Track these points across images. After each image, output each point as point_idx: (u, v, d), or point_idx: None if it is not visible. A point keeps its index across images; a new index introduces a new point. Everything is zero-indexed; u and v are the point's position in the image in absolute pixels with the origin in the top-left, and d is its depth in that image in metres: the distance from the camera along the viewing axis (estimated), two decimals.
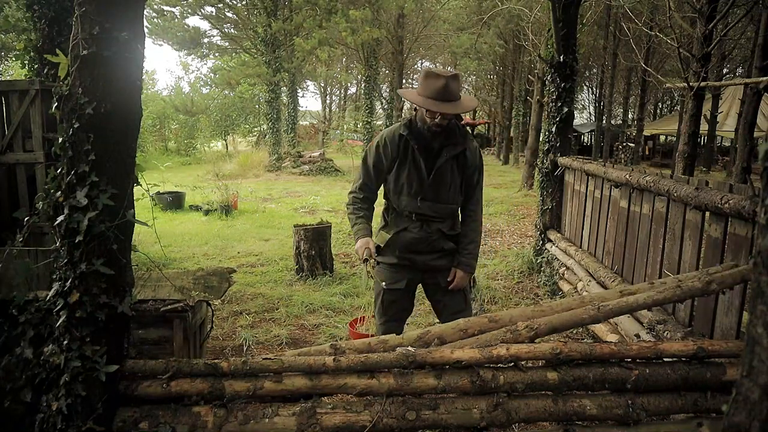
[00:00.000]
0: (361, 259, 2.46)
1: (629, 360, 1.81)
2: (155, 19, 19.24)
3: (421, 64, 35.76)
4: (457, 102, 2.31)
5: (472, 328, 1.89)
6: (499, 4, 13.24)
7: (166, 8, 19.31)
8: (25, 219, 2.03)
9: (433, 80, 2.29)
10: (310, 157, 17.37)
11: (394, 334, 1.99)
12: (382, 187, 2.59)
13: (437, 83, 2.28)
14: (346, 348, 1.88)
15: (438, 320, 2.67)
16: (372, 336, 3.06)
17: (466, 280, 2.48)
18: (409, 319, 3.95)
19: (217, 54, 22.74)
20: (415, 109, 2.42)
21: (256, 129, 27.32)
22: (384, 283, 2.51)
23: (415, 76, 37.26)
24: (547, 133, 5.59)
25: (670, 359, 1.81)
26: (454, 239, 2.52)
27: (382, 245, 2.50)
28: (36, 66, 4.59)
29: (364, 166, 2.51)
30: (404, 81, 25.32)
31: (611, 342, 1.84)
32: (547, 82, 5.66)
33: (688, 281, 1.93)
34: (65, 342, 1.74)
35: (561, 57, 5.15)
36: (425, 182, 2.39)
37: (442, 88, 2.27)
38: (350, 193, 2.58)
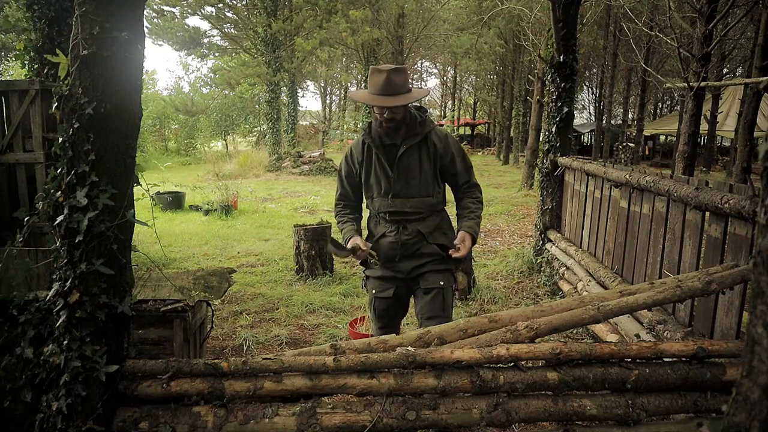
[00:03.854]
0: (357, 256, 2.42)
1: (629, 360, 1.81)
2: (155, 19, 19.24)
3: (421, 64, 35.82)
4: (401, 95, 2.28)
5: (472, 328, 1.89)
6: (499, 4, 13.24)
7: (166, 8, 19.30)
8: (25, 219, 2.03)
9: (376, 76, 2.30)
10: (310, 157, 17.38)
11: (394, 334, 1.99)
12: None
13: (379, 78, 2.28)
14: (346, 348, 1.88)
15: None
16: (372, 336, 3.06)
17: (470, 243, 2.35)
18: (409, 319, 3.96)
19: (217, 54, 22.72)
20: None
21: (256, 129, 27.33)
22: (374, 291, 2.49)
23: (415, 75, 37.27)
24: (547, 133, 5.60)
25: (670, 359, 1.81)
26: (441, 241, 2.41)
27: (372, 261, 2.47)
28: (36, 66, 4.59)
29: (339, 178, 2.56)
30: None
31: (611, 342, 1.84)
32: (547, 82, 5.66)
33: (688, 281, 1.93)
34: (65, 342, 1.74)
35: (561, 57, 5.15)
36: (391, 177, 2.36)
37: (384, 83, 2.26)
38: (335, 202, 2.63)
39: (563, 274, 4.68)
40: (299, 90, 27.63)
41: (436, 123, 2.51)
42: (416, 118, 2.40)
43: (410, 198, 2.36)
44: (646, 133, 23.95)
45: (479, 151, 30.24)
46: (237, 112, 26.46)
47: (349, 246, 2.41)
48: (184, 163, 21.18)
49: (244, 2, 19.87)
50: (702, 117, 6.69)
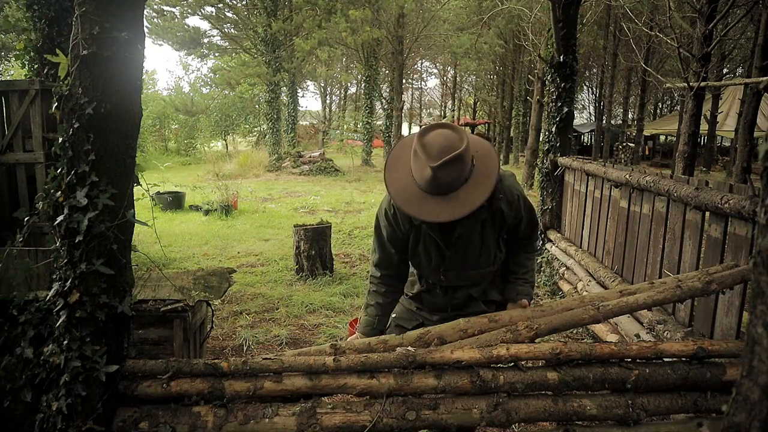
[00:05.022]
0: None
1: (629, 360, 1.81)
2: (155, 19, 19.26)
3: (421, 64, 35.81)
4: (457, 193, 1.66)
5: (472, 328, 1.89)
6: (499, 4, 13.24)
7: (166, 8, 19.33)
8: (25, 219, 2.03)
9: (420, 164, 1.66)
10: (310, 157, 17.39)
11: (394, 334, 1.98)
12: None
13: (424, 171, 1.64)
14: (346, 348, 1.88)
15: None
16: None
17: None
18: None
19: (217, 54, 22.75)
20: None
21: (256, 129, 27.34)
22: (394, 315, 2.17)
23: (415, 75, 37.26)
24: (547, 133, 5.60)
25: (670, 359, 1.81)
26: (492, 297, 2.06)
27: (405, 293, 2.15)
28: (36, 66, 4.59)
29: (378, 239, 2.03)
30: (404, 81, 25.31)
31: (611, 342, 1.84)
32: (547, 82, 5.66)
33: (688, 281, 1.93)
34: (65, 342, 1.74)
35: (561, 57, 5.15)
36: (446, 254, 1.90)
37: (431, 181, 1.64)
38: (371, 268, 2.14)
39: (563, 274, 4.68)
40: (299, 90, 27.67)
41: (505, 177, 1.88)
42: None
43: (467, 271, 1.94)
44: (646, 133, 23.96)
45: None
46: (237, 112, 26.46)
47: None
48: (184, 163, 21.18)
49: (244, 2, 19.88)
50: (702, 117, 6.69)
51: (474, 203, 1.66)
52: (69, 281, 1.74)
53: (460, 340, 1.88)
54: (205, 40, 21.04)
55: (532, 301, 2.10)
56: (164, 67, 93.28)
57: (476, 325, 1.89)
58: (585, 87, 30.46)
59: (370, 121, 20.31)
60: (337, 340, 3.81)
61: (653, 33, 9.95)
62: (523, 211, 1.91)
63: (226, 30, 21.13)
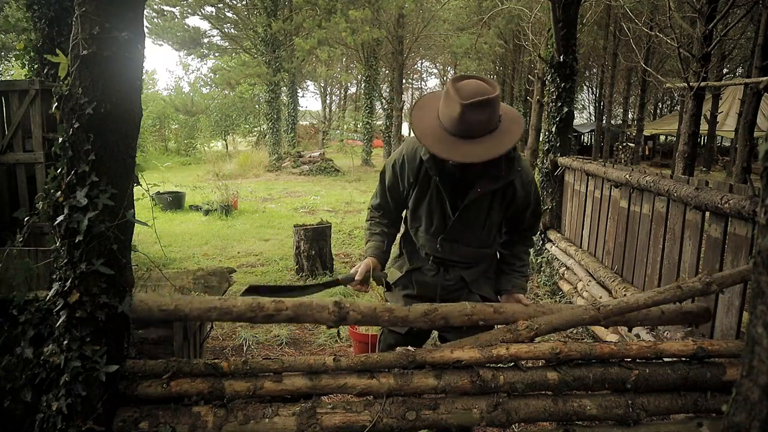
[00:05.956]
0: (355, 282, 1.93)
1: (629, 360, 1.81)
2: (155, 19, 19.27)
3: (421, 64, 35.81)
4: (485, 138, 1.66)
5: (477, 314, 1.84)
6: (499, 4, 13.25)
7: (166, 8, 19.33)
8: (25, 219, 2.03)
9: (450, 104, 1.65)
10: (310, 157, 17.40)
11: (401, 306, 1.86)
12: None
13: (453, 111, 1.64)
14: (350, 308, 1.82)
15: None
16: (372, 336, 3.05)
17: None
18: None
19: (217, 54, 22.75)
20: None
21: (256, 129, 27.33)
22: None
23: (415, 75, 37.24)
24: (547, 133, 5.60)
25: (670, 359, 1.81)
26: (485, 291, 2.04)
27: (391, 282, 2.11)
28: (36, 66, 4.59)
29: (381, 186, 2.06)
30: (404, 81, 25.31)
31: (611, 342, 1.84)
32: (547, 82, 5.67)
33: (688, 282, 1.93)
34: (65, 342, 1.74)
35: (561, 57, 5.15)
36: (449, 220, 1.88)
37: (458, 120, 1.64)
38: (369, 208, 2.19)
39: (563, 274, 4.68)
40: (299, 90, 27.66)
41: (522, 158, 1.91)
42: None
43: (463, 246, 1.94)
44: (646, 133, 23.97)
45: None
46: (237, 112, 26.44)
47: (352, 271, 1.98)
48: (184, 163, 21.16)
49: (244, 2, 19.89)
50: (702, 117, 6.70)
51: (497, 151, 1.66)
52: (69, 281, 1.74)
53: (459, 340, 1.88)
54: (205, 40, 21.05)
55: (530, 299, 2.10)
56: (164, 67, 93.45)
57: (481, 312, 1.86)
58: (585, 87, 30.45)
59: (370, 121, 20.30)
60: (337, 341, 3.82)
61: (653, 33, 9.96)
62: (532, 197, 1.95)
63: (226, 30, 21.14)
